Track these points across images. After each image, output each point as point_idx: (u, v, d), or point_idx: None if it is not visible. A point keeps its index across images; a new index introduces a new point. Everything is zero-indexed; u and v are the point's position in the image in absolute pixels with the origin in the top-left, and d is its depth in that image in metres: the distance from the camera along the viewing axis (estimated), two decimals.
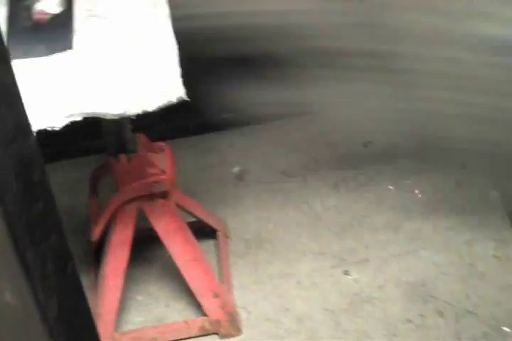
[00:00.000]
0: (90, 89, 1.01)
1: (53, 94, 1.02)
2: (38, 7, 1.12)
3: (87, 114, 0.99)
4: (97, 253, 1.40)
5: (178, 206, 1.32)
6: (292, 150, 1.67)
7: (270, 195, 1.58)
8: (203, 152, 1.70)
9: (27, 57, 1.06)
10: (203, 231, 1.46)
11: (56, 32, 1.09)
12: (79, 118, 0.99)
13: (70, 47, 1.05)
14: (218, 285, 1.34)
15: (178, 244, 1.27)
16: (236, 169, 1.65)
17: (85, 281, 1.38)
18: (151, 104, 0.98)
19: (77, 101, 1.00)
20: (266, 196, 1.58)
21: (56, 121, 0.99)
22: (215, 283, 1.32)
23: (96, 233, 1.27)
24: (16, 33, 1.10)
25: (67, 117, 0.99)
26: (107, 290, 1.28)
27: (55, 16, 1.11)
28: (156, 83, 1.00)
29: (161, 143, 1.30)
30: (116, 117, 0.98)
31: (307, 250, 1.46)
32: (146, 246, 1.40)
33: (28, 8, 1.12)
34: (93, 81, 1.02)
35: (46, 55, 1.06)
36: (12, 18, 1.12)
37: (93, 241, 1.32)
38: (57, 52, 1.06)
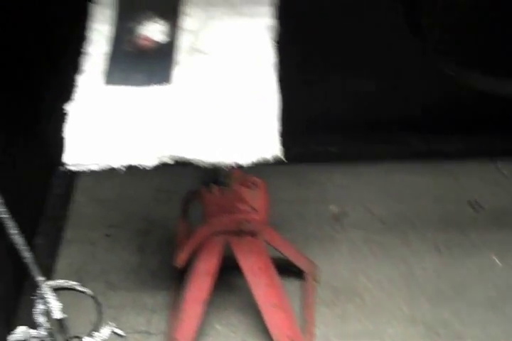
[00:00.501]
0: (183, 131, 0.94)
1: (144, 129, 0.95)
2: (143, 32, 1.06)
3: (177, 158, 0.92)
4: (182, 274, 1.38)
5: (268, 243, 1.26)
6: (395, 198, 1.59)
7: (367, 246, 1.52)
8: (301, 183, 1.64)
9: (122, 85, 1.01)
10: (290, 269, 1.40)
11: (157, 62, 1.02)
12: (169, 162, 0.93)
13: (168, 81, 0.99)
14: (298, 334, 1.28)
15: (261, 286, 1.22)
16: (334, 208, 1.58)
17: (166, 299, 1.43)
18: (245, 159, 0.91)
19: (167, 143, 0.93)
20: (362, 245, 1.52)
21: (146, 160, 0.93)
22: (295, 330, 1.27)
23: (181, 259, 1.24)
24: (117, 57, 1.05)
25: (157, 158, 0.93)
26: (187, 316, 1.26)
27: (158, 45, 1.04)
28: (253, 136, 0.93)
29: (256, 179, 1.25)
30: (208, 166, 0.92)
31: (398, 313, 1.38)
32: (234, 273, 1.33)
33: (132, 32, 1.06)
34: (187, 122, 0.95)
35: (142, 85, 1.00)
36: (115, 39, 1.07)
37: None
38: (154, 84, 1.00)
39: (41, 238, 1.40)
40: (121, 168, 0.96)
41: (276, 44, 1.01)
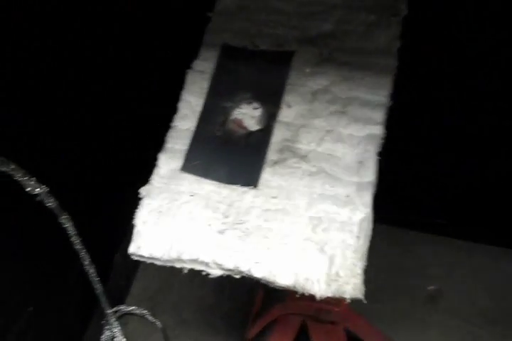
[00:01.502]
0: (255, 244, 0.86)
1: (214, 233, 0.88)
2: (236, 114, 0.96)
3: (244, 273, 0.85)
4: None
5: (350, 330, 1.19)
6: (505, 290, 1.41)
7: (460, 336, 1.36)
8: (400, 250, 1.49)
9: (201, 176, 0.92)
10: None
11: (245, 157, 0.92)
12: (236, 276, 0.86)
13: (255, 185, 0.89)
14: None
15: None
16: (431, 288, 1.43)
17: None
18: (322, 291, 0.82)
19: (236, 254, 0.86)
20: (455, 334, 1.37)
21: (210, 268, 0.86)
22: None
23: (252, 333, 1.22)
24: (202, 139, 0.95)
25: (222, 269, 0.86)
26: None
27: (250, 135, 0.94)
28: (332, 268, 0.83)
29: None
30: (281, 287, 0.84)
31: None
32: None
33: (224, 111, 0.97)
34: (263, 234, 0.87)
35: (223, 181, 0.91)
36: (205, 117, 0.97)
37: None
38: (238, 183, 0.90)
39: (121, 257, 1.38)
40: (185, 270, 0.90)
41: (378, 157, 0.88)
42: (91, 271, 1.06)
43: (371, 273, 1.17)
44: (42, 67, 0.96)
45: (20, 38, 0.91)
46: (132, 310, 1.41)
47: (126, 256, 0.93)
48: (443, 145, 1.18)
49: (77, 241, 1.08)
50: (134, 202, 0.94)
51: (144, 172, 0.97)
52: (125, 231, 1.00)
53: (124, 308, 1.41)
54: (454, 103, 1.10)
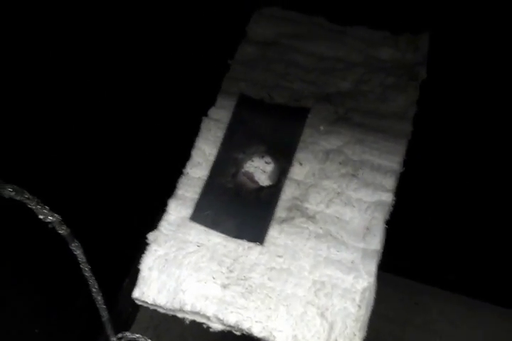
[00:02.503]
0: (261, 305, 0.87)
1: (218, 286, 0.89)
2: (248, 167, 0.97)
3: (246, 332, 0.87)
4: None
5: None
6: None
7: None
8: (407, 302, 1.47)
9: (208, 227, 0.93)
10: None
11: (254, 212, 0.93)
12: (237, 333, 0.87)
13: (261, 241, 0.90)
14: None
15: None
16: None
17: None
18: None
19: (241, 312, 0.87)
20: None
21: (212, 322, 0.88)
22: None
23: None
24: (213, 190, 0.96)
25: (223, 325, 0.88)
26: None
27: (261, 190, 0.95)
28: (335, 336, 0.85)
29: None
30: None
31: None
32: None
33: (237, 163, 0.97)
34: (268, 296, 0.88)
35: (230, 235, 0.92)
36: (217, 167, 0.97)
37: None
38: (245, 238, 0.91)
39: (130, 283, 1.39)
40: (186, 320, 0.91)
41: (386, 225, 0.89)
42: (98, 298, 1.07)
43: (375, 322, 1.17)
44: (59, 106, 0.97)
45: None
46: (137, 337, 1.42)
47: (133, 283, 0.95)
48: (455, 206, 1.18)
49: (86, 269, 1.08)
50: (142, 234, 0.95)
51: (154, 213, 0.97)
52: (134, 259, 1.01)
53: (129, 335, 1.42)
54: (470, 172, 1.09)
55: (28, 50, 0.89)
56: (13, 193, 0.76)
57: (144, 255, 0.93)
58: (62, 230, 0.96)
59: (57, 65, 0.92)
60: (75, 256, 1.00)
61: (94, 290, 1.07)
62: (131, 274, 1.12)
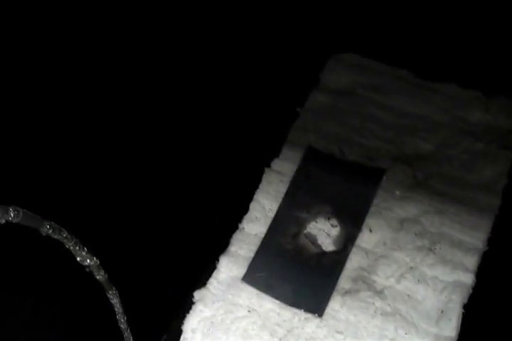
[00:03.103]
0: None
1: None
2: (311, 228, 0.90)
3: None
4: None
5: None
6: None
7: None
8: None
9: (262, 291, 0.87)
10: None
11: (315, 279, 0.88)
12: None
13: (320, 313, 0.83)
14: None
15: None
16: None
17: None
18: None
19: None
20: None
21: None
22: None
23: None
24: (270, 250, 0.91)
25: None
26: None
27: (324, 255, 0.88)
28: None
29: None
30: None
31: None
32: None
33: (299, 223, 0.91)
34: None
35: (286, 302, 0.87)
36: (276, 223, 0.92)
37: None
38: (302, 308, 0.86)
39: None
40: None
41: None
42: None
43: None
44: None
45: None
46: None
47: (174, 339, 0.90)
48: None
49: (122, 320, 1.01)
50: (189, 291, 0.91)
51: (203, 268, 0.91)
52: (176, 315, 0.93)
53: None
54: None
55: (42, 53, 0.85)
56: (51, 231, 0.71)
57: (188, 314, 0.90)
58: (100, 275, 0.89)
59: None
60: (111, 305, 0.92)
61: None
62: (170, 332, 1.05)
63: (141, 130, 0.97)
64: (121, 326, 0.99)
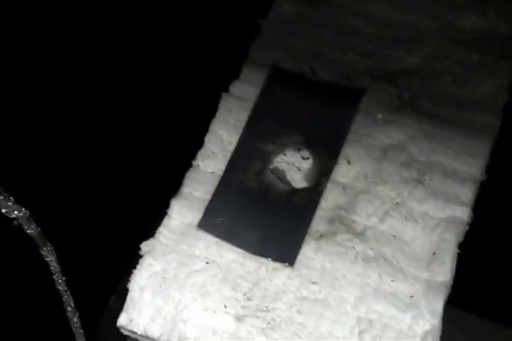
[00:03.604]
0: None
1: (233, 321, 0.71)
2: (279, 162, 0.77)
3: None
4: None
5: None
6: None
7: None
8: None
9: (223, 239, 0.77)
10: None
11: (284, 222, 0.78)
12: None
13: (291, 262, 0.73)
14: None
15: None
16: None
17: None
18: None
19: None
20: None
21: None
22: None
23: None
24: (230, 190, 0.80)
25: None
26: None
27: (294, 193, 0.77)
28: None
29: None
30: None
31: None
32: None
33: (264, 156, 0.78)
34: (296, 334, 0.69)
35: (250, 250, 0.76)
36: (236, 158, 0.82)
37: None
38: (269, 256, 0.76)
39: (117, 301, 1.21)
40: None
41: None
42: (74, 319, 0.89)
43: None
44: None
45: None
46: None
47: (120, 302, 0.80)
48: None
49: (60, 281, 0.90)
50: (135, 243, 0.80)
51: (151, 215, 0.81)
52: (123, 273, 0.83)
53: None
54: None
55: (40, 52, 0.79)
56: None
57: (135, 270, 0.79)
58: (31, 229, 0.79)
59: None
60: (46, 264, 0.82)
61: (69, 309, 0.91)
62: (118, 292, 0.94)
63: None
64: (60, 287, 0.89)
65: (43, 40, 0.83)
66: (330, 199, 0.77)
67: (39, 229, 0.81)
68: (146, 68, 0.92)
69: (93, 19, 0.86)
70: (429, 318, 0.70)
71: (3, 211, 0.79)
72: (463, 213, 0.74)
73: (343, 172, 0.78)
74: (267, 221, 0.77)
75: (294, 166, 0.79)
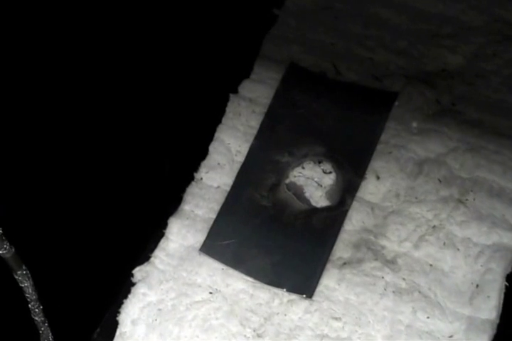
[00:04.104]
0: None
1: None
2: (296, 176, 0.77)
3: None
4: None
5: None
6: None
7: None
8: None
9: (229, 266, 0.76)
10: None
11: (301, 248, 0.77)
12: None
13: (309, 294, 0.75)
14: None
15: None
16: None
17: None
18: None
19: None
20: None
21: None
22: None
23: None
24: (239, 205, 0.78)
25: None
26: None
27: (313, 214, 0.78)
28: None
29: None
30: None
31: None
32: None
33: (279, 169, 0.79)
34: None
35: (261, 280, 0.74)
36: (245, 171, 0.79)
37: None
38: (284, 287, 0.76)
39: (103, 335, 1.22)
40: None
41: None
42: None
43: None
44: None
45: None
46: None
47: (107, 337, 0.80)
48: None
49: (37, 310, 0.90)
50: (127, 268, 0.81)
51: (147, 236, 0.81)
52: (111, 302, 0.84)
53: None
54: None
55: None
56: None
57: (126, 300, 0.78)
58: (3, 250, 0.78)
59: None
60: (20, 290, 0.81)
61: None
62: (103, 324, 0.93)
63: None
64: (36, 318, 0.88)
65: (42, 40, 0.83)
66: (355, 221, 0.76)
67: (13, 250, 0.81)
68: (141, 63, 0.92)
69: (92, 15, 0.87)
70: None
71: None
72: (511, 239, 0.72)
73: (372, 189, 0.77)
74: (282, 245, 0.76)
75: (313, 181, 0.79)
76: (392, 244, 0.75)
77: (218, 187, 0.80)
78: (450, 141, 0.77)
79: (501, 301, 0.72)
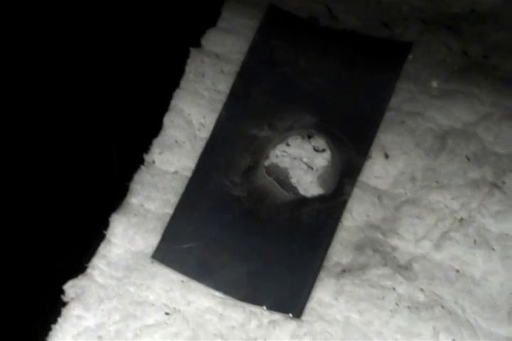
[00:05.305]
0: None
1: None
2: (279, 156, 0.79)
3: None
4: None
5: None
6: None
7: None
8: None
9: (192, 277, 0.77)
10: None
11: (285, 252, 0.78)
12: None
13: (297, 312, 0.78)
14: None
15: None
16: None
17: None
18: None
19: None
20: None
21: None
22: None
23: None
24: (203, 196, 0.80)
25: None
26: None
27: (302, 205, 0.79)
28: None
29: None
30: None
31: None
32: None
33: (256, 147, 0.81)
34: None
35: (234, 295, 0.76)
36: (212, 150, 0.82)
37: None
38: (263, 304, 0.78)
39: None
40: None
41: None
42: None
43: None
44: None
45: None
46: None
47: None
48: None
49: None
50: (58, 282, 0.82)
51: (80, 242, 0.83)
52: (37, 327, 0.85)
53: None
54: None
55: None
56: None
57: (55, 326, 0.80)
58: None
59: None
60: None
61: None
62: None
63: None
64: None
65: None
66: (357, 214, 0.79)
67: None
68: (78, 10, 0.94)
69: None
70: None
71: None
72: None
73: (379, 171, 0.79)
74: (260, 249, 0.78)
75: (301, 162, 0.81)
76: (406, 243, 0.77)
77: (176, 172, 0.82)
78: (481, 105, 0.79)
79: None
